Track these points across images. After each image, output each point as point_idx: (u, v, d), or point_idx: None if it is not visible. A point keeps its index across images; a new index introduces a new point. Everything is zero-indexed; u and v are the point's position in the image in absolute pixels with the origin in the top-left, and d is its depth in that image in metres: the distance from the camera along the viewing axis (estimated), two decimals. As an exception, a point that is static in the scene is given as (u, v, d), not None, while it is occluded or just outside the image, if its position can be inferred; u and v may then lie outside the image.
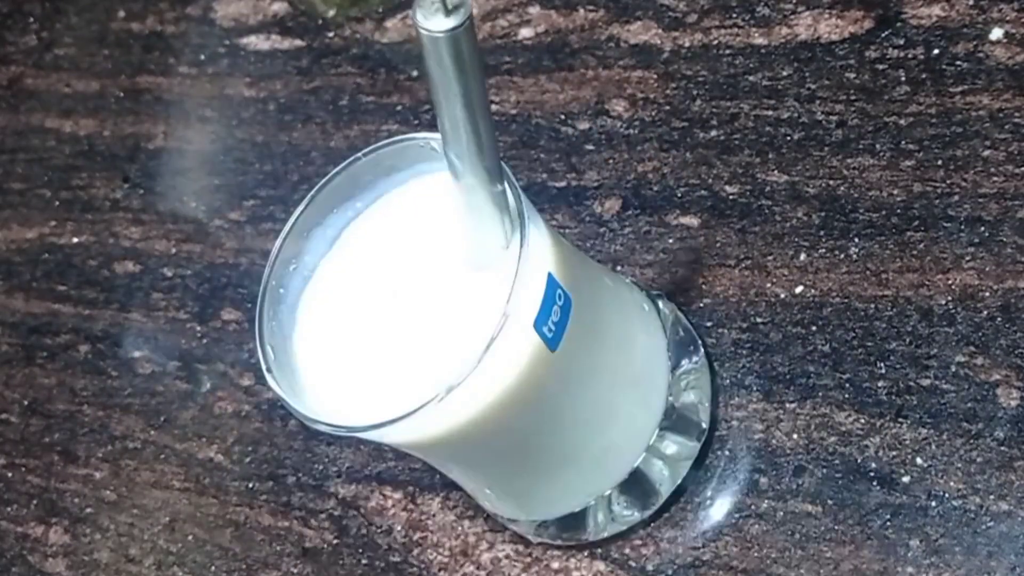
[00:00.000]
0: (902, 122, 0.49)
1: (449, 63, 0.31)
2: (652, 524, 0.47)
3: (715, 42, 0.54)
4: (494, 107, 0.58)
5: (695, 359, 0.47)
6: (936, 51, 0.49)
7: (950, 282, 0.45)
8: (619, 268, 0.52)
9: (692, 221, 0.51)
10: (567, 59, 0.57)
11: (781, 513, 0.45)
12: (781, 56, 0.52)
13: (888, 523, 0.43)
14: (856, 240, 0.48)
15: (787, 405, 0.46)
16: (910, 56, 0.49)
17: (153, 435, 0.60)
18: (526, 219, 0.36)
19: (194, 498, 0.58)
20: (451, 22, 0.30)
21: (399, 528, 0.52)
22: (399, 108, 0.61)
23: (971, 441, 0.43)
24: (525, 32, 0.59)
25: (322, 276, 0.41)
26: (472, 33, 0.31)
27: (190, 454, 0.59)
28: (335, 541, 0.53)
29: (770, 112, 0.51)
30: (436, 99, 0.33)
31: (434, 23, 0.30)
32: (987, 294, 0.45)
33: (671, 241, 0.51)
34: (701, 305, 0.49)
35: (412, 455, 0.50)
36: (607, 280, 0.45)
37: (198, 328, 0.62)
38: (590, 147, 0.55)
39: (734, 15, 0.54)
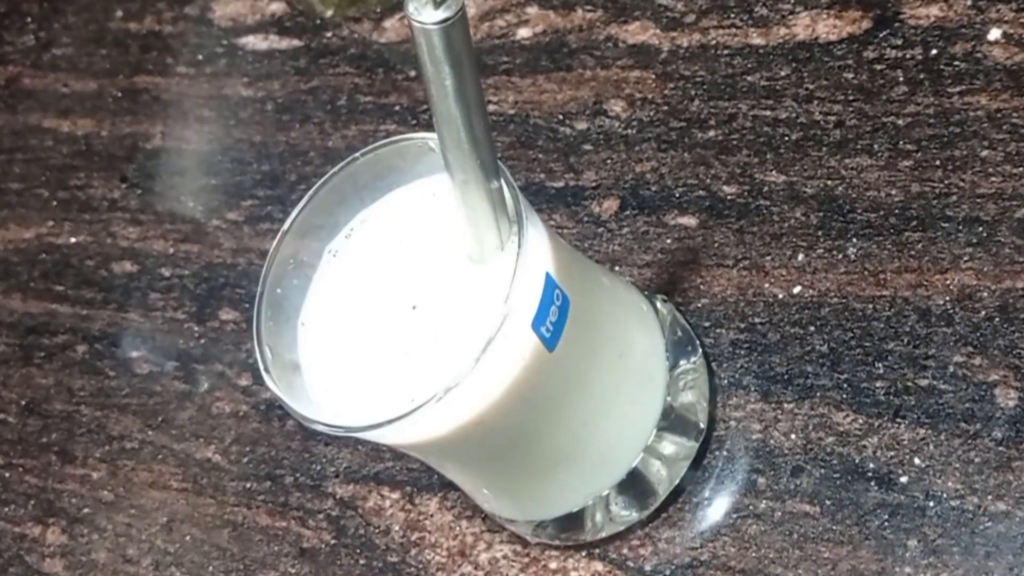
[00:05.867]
0: (900, 122, 0.49)
1: (441, 55, 0.31)
2: (650, 524, 0.47)
3: (713, 42, 0.54)
4: (492, 107, 0.58)
5: (693, 359, 0.47)
6: (934, 51, 0.49)
7: (948, 282, 0.45)
8: (617, 268, 0.52)
9: (690, 221, 0.51)
10: (565, 59, 0.57)
11: (779, 513, 0.45)
12: (779, 56, 0.52)
13: (886, 523, 0.43)
14: (854, 240, 0.48)
15: (785, 405, 0.46)
16: (908, 56, 0.50)
17: (151, 435, 0.60)
18: (524, 219, 0.36)
19: (192, 498, 0.58)
20: (442, 14, 0.30)
21: (397, 528, 0.52)
22: (397, 108, 0.61)
23: (969, 441, 0.43)
24: (523, 32, 0.59)
25: (320, 276, 0.41)
26: (465, 25, 0.31)
27: (188, 454, 0.59)
28: (333, 541, 0.53)
29: (768, 112, 0.51)
30: (429, 93, 0.33)
31: (426, 15, 0.30)
32: (985, 294, 0.45)
33: (669, 241, 0.51)
34: (699, 305, 0.50)
35: (410, 455, 0.50)
36: (605, 280, 0.45)
37: (196, 328, 0.62)
38: (588, 147, 0.55)
39: (732, 15, 0.54)
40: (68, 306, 0.66)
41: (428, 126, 0.43)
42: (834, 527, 0.44)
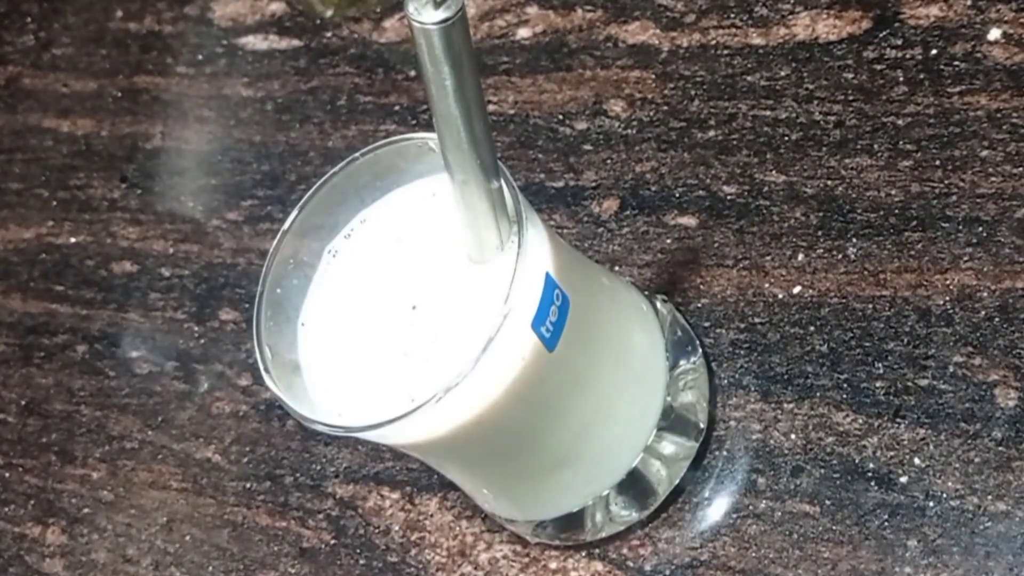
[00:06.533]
0: (900, 122, 0.49)
1: (441, 56, 0.31)
2: (650, 524, 0.47)
3: (713, 42, 0.54)
4: (492, 107, 0.58)
5: (693, 359, 0.47)
6: (934, 51, 0.49)
7: (948, 282, 0.45)
8: (617, 268, 0.52)
9: (690, 221, 0.51)
10: (565, 59, 0.57)
11: (779, 513, 0.45)
12: (779, 56, 0.52)
13: (886, 523, 0.43)
14: (854, 240, 0.48)
15: (785, 405, 0.46)
16: (908, 56, 0.50)
17: (151, 435, 0.60)
18: (524, 219, 0.36)
19: (192, 498, 0.58)
20: (442, 14, 0.30)
21: (397, 528, 0.52)
22: (397, 108, 0.61)
23: (969, 441, 0.43)
24: (523, 32, 0.59)
25: (320, 276, 0.41)
26: (465, 25, 0.31)
27: (188, 454, 0.59)
28: (333, 541, 0.53)
29: (768, 112, 0.51)
30: (429, 93, 0.33)
31: (426, 15, 0.30)
32: (985, 294, 0.45)
33: (669, 241, 0.51)
34: (699, 305, 0.50)
35: (410, 455, 0.50)
36: (605, 280, 0.45)
37: (196, 328, 0.62)
38: (588, 147, 0.55)
39: (732, 15, 0.54)
40: (68, 306, 0.66)
41: (428, 126, 0.43)
42: (834, 527, 0.44)
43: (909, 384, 0.45)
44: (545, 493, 0.45)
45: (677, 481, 0.46)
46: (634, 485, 0.45)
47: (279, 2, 0.68)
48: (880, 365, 0.45)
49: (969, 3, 0.49)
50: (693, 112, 0.53)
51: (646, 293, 0.48)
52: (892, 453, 0.44)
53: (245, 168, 0.65)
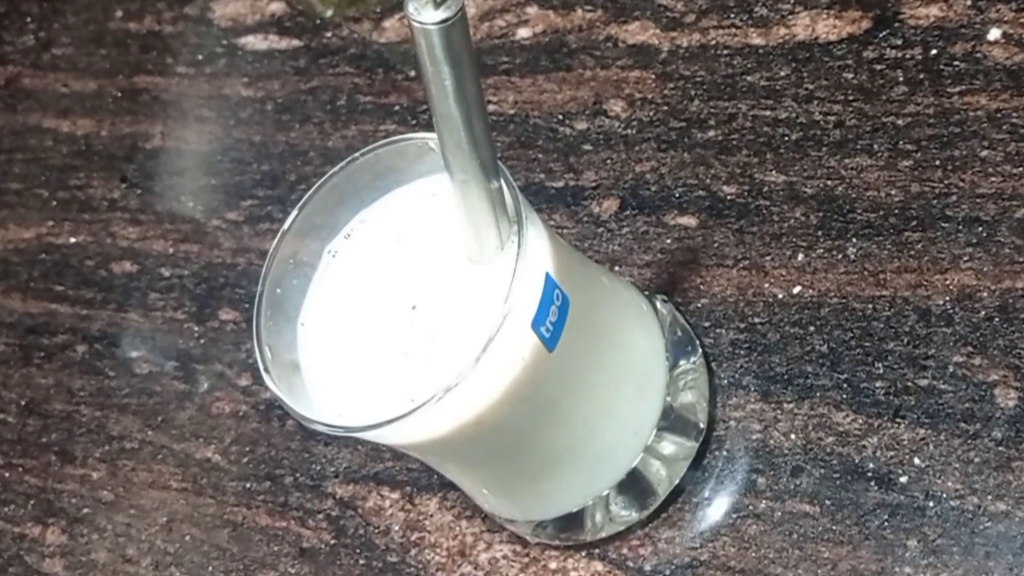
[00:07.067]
0: (900, 122, 0.49)
1: (441, 56, 0.31)
2: (650, 524, 0.47)
3: (713, 42, 0.54)
4: (492, 107, 0.58)
5: (693, 359, 0.47)
6: (934, 51, 0.49)
7: (948, 282, 0.45)
8: (617, 268, 0.52)
9: (690, 221, 0.51)
10: (565, 59, 0.57)
11: (779, 513, 0.45)
12: (779, 56, 0.52)
13: (886, 523, 0.43)
14: (854, 240, 0.48)
15: (785, 405, 0.46)
16: (908, 56, 0.50)
17: (150, 435, 0.60)
18: (524, 219, 0.36)
19: (191, 498, 0.58)
20: (442, 14, 0.30)
21: (397, 528, 0.52)
22: (397, 108, 0.61)
23: (969, 441, 0.43)
24: (523, 32, 0.59)
25: (319, 276, 0.41)
26: (464, 25, 0.31)
27: (187, 454, 0.59)
28: (333, 541, 0.53)
29: (768, 112, 0.51)
30: (429, 93, 0.33)
31: (426, 15, 0.30)
32: (985, 294, 0.45)
33: (669, 241, 0.51)
34: (699, 305, 0.50)
35: (410, 455, 0.50)
36: (605, 280, 0.45)
37: (196, 328, 0.62)
38: (588, 147, 0.55)
39: (732, 15, 0.54)
40: (68, 306, 0.66)
41: (428, 126, 0.43)
42: (834, 527, 0.44)
43: (909, 384, 0.45)
44: (545, 493, 0.45)
45: (677, 481, 0.46)
46: (634, 485, 0.45)
47: (279, 2, 0.68)
48: (880, 365, 0.45)
49: (969, 3, 0.49)
50: (693, 112, 0.53)
51: (646, 293, 0.48)
52: (892, 453, 0.44)
53: (245, 168, 0.65)
